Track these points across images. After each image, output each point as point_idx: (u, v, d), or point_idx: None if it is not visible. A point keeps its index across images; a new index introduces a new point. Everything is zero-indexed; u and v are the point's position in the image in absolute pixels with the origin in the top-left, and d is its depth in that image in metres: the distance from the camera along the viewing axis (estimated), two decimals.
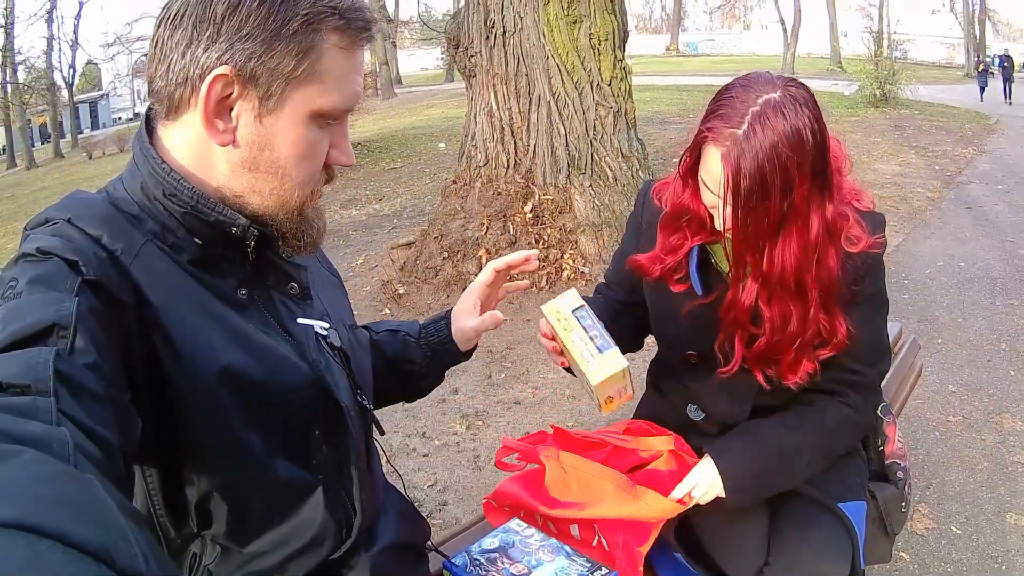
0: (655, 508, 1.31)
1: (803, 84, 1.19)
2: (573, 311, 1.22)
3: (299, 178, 0.86)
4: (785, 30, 35.83)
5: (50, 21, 31.47)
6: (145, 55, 0.88)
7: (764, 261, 1.21)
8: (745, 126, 1.14)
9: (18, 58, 32.24)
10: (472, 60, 5.52)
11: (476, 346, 1.30)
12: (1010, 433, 3.18)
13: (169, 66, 0.80)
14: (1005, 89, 20.72)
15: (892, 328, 2.13)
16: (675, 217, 1.35)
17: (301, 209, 0.89)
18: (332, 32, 0.81)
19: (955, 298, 4.87)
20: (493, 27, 5.34)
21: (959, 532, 2.53)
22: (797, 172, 1.13)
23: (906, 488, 1.55)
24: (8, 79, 31.27)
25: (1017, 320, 4.44)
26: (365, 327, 1.28)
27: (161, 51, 0.81)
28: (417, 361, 1.25)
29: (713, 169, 1.18)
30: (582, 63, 5.29)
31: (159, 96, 0.83)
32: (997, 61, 23.53)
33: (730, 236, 1.22)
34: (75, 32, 34.26)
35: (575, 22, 5.24)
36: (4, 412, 0.53)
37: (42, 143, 37.40)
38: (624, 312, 1.53)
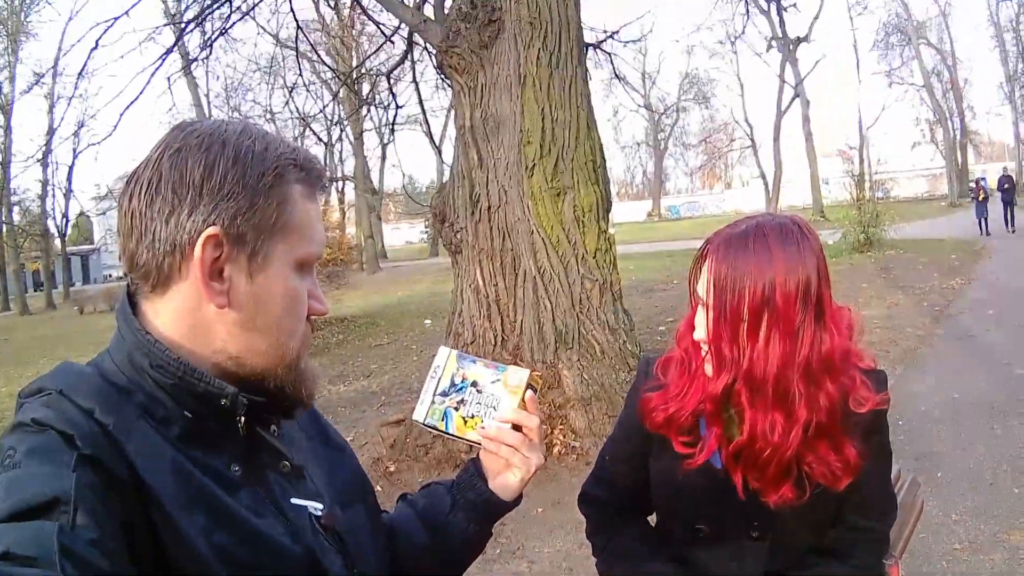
0: None
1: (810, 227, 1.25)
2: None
3: (293, 329, 0.87)
4: (767, 185, 37.08)
5: (45, 165, 30.84)
6: None
7: (744, 358, 1.20)
8: (741, 227, 1.21)
9: (13, 198, 32.42)
10: (458, 236, 5.55)
11: (520, 496, 1.17)
12: (1019, 547, 3.12)
13: (153, 236, 0.80)
14: (1007, 215, 18.41)
15: None
16: (680, 348, 1.36)
17: (298, 360, 0.89)
18: (296, 183, 0.85)
19: (952, 430, 4.83)
20: (478, 201, 5.38)
21: None
22: (783, 278, 1.16)
23: None
24: (4, 219, 31.15)
25: (1017, 440, 4.39)
26: (404, 496, 1.22)
27: (140, 222, 0.80)
28: (446, 508, 1.12)
29: (704, 276, 1.23)
30: (567, 236, 5.29)
31: (145, 269, 0.81)
32: (994, 183, 20.66)
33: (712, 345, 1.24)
34: (69, 180, 33.75)
35: (559, 194, 5.27)
36: None
37: (35, 290, 37.71)
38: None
